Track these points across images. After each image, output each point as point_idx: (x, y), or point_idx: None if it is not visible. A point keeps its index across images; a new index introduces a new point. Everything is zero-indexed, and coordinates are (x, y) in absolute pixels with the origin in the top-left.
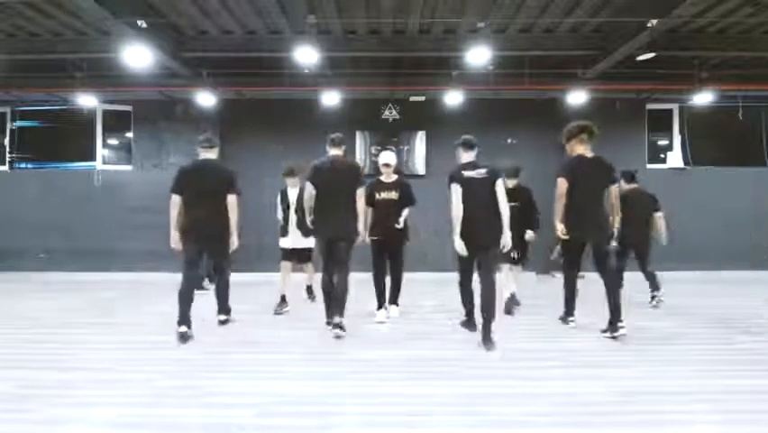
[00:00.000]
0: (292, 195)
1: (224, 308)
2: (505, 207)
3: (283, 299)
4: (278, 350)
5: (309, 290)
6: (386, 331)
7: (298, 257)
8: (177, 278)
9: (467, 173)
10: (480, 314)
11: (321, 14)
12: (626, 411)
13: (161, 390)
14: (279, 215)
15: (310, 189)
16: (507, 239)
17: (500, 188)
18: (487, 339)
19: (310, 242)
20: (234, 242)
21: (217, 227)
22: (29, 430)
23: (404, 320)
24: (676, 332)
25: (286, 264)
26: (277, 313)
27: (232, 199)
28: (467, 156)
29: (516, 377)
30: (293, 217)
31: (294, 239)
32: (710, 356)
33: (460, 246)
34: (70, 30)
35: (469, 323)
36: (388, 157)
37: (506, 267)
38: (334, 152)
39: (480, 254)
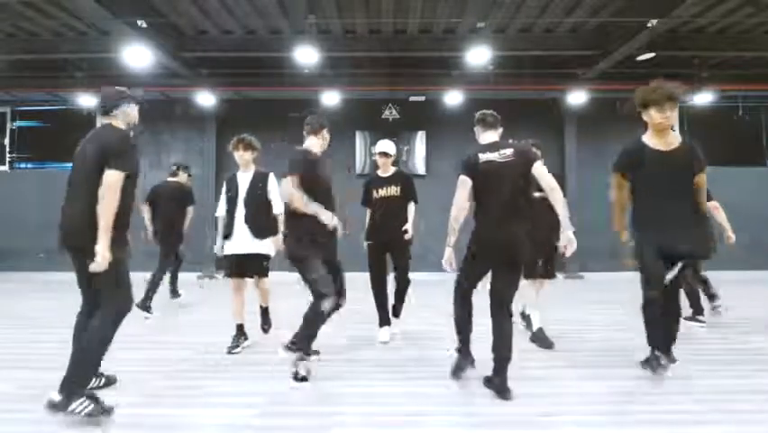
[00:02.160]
0: (243, 181)
1: (75, 377)
2: (557, 196)
3: (240, 329)
4: (277, 350)
5: (265, 313)
6: (387, 342)
7: (248, 267)
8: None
9: (485, 156)
10: (492, 355)
11: (321, 14)
12: (626, 411)
13: (161, 390)
14: (221, 210)
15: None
16: (569, 235)
17: (542, 171)
18: (503, 387)
19: (265, 246)
20: (104, 253)
21: (80, 226)
22: (29, 430)
23: (404, 321)
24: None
25: (236, 282)
26: (232, 351)
27: (109, 178)
28: (487, 136)
29: (516, 377)
30: (241, 211)
31: (241, 242)
32: (711, 356)
33: (449, 258)
34: (71, 30)
35: (463, 356)
36: (385, 145)
37: (525, 283)
38: (311, 141)
39: (500, 272)
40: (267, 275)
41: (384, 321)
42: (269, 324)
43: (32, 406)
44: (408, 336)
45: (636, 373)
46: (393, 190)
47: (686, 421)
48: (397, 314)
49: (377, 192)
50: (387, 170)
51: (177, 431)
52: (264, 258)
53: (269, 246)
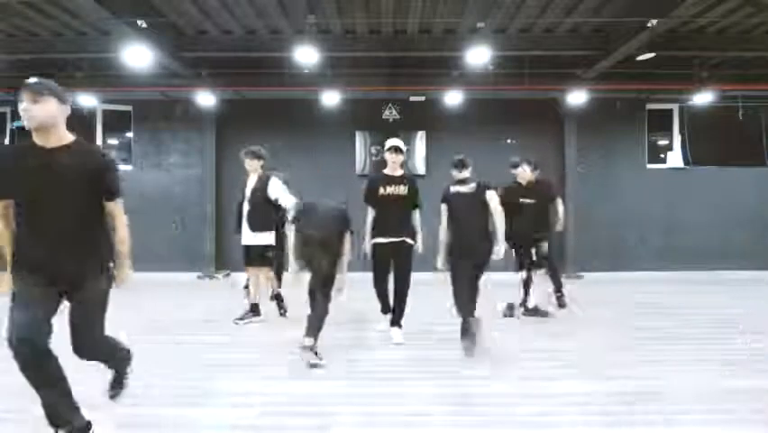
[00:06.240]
0: (249, 184)
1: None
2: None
3: (253, 308)
4: (277, 350)
5: (279, 298)
6: (386, 332)
7: (251, 257)
8: (175, 277)
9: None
10: None
11: (321, 14)
12: (627, 411)
13: (161, 390)
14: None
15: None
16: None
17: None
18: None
19: (265, 238)
20: None
21: None
22: (29, 430)
23: (403, 321)
24: (676, 332)
25: (249, 270)
26: (237, 321)
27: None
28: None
29: (516, 377)
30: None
31: (246, 236)
32: (710, 356)
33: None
34: (70, 30)
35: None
36: (397, 141)
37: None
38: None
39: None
40: (268, 265)
41: (385, 310)
42: (283, 308)
43: (32, 406)
44: (408, 336)
45: (636, 372)
46: (402, 190)
47: (686, 421)
48: (397, 322)
49: (384, 189)
50: (396, 170)
51: (177, 431)
52: (265, 248)
53: (267, 238)
